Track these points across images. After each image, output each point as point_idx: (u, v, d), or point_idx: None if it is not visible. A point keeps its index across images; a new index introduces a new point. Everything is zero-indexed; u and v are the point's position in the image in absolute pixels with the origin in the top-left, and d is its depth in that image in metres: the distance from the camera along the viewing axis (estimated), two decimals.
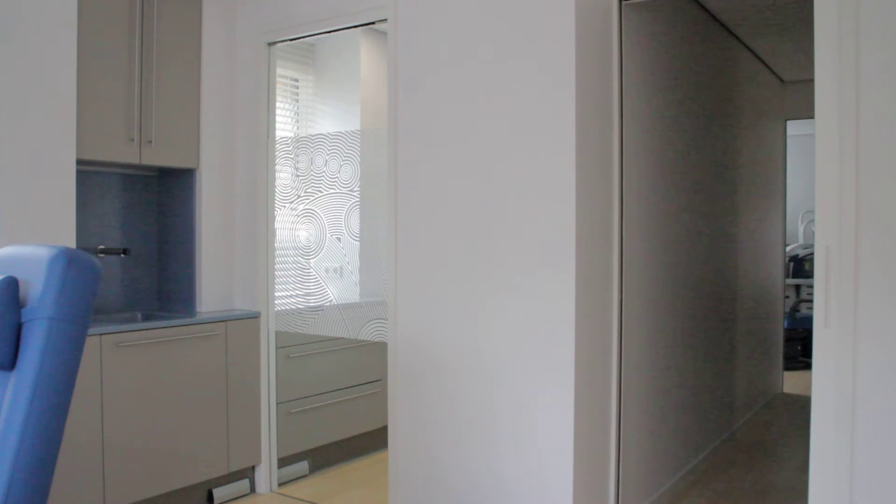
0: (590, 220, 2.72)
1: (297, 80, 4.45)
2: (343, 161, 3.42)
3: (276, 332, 3.63)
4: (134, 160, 3.27)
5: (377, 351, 4.09)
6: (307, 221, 3.59)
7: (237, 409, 3.46)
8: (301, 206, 3.59)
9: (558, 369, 2.65)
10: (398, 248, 3.08)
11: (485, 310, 2.84)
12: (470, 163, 2.88)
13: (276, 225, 3.63)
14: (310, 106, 4.52)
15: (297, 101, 4.46)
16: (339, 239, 3.48)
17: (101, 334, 2.89)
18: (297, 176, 3.62)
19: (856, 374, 2.19)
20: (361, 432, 4.12)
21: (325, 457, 3.96)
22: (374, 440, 4.19)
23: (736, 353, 4.52)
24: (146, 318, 3.46)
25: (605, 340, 2.85)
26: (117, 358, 2.95)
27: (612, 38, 2.85)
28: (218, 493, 3.39)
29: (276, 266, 3.64)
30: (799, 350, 6.56)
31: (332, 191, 3.46)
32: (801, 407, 5.11)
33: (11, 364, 1.50)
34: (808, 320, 6.28)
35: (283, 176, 3.67)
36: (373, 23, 3.23)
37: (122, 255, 3.53)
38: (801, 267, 6.82)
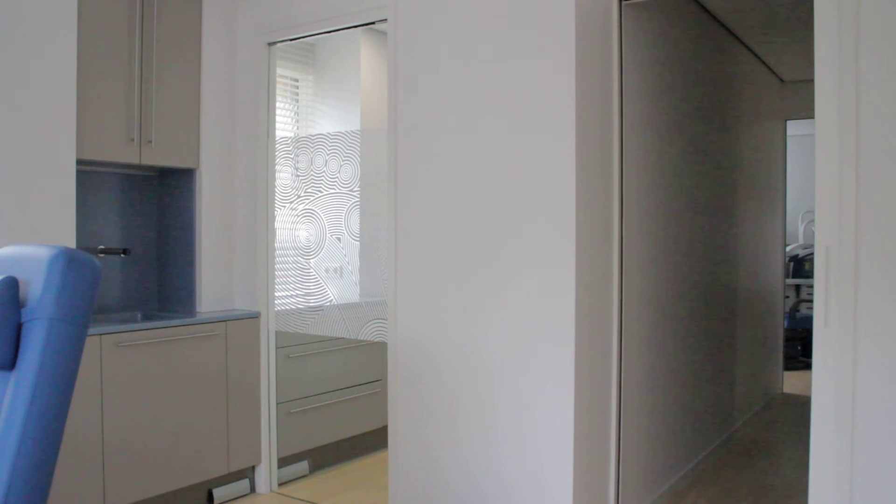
0: (590, 220, 2.72)
1: (297, 80, 4.45)
2: (343, 161, 3.42)
3: (276, 332, 3.63)
4: (134, 160, 3.27)
5: (377, 351, 4.09)
6: (307, 221, 3.59)
7: (237, 409, 3.46)
8: (301, 206, 3.59)
9: (558, 369, 2.65)
10: (398, 248, 3.08)
11: (485, 310, 2.84)
12: (470, 163, 2.88)
13: (276, 225, 3.63)
14: (310, 106, 4.52)
15: (297, 101, 4.46)
16: (339, 239, 3.48)
17: (101, 334, 2.89)
18: (297, 176, 3.62)
19: (856, 374, 2.19)
20: (361, 432, 4.12)
21: (324, 457, 3.96)
22: (374, 440, 4.19)
23: (736, 353, 4.52)
24: (146, 318, 3.46)
25: (605, 340, 2.85)
26: (117, 358, 2.95)
27: (612, 38, 2.85)
28: (218, 493, 3.39)
29: (276, 266, 3.64)
30: (799, 350, 6.56)
31: (332, 191, 3.46)
32: (801, 407, 5.11)
33: (11, 364, 1.49)
34: (808, 320, 6.28)
35: (283, 176, 3.67)
36: (373, 23, 3.23)
37: (122, 255, 3.53)
38: (801, 267, 6.82)
